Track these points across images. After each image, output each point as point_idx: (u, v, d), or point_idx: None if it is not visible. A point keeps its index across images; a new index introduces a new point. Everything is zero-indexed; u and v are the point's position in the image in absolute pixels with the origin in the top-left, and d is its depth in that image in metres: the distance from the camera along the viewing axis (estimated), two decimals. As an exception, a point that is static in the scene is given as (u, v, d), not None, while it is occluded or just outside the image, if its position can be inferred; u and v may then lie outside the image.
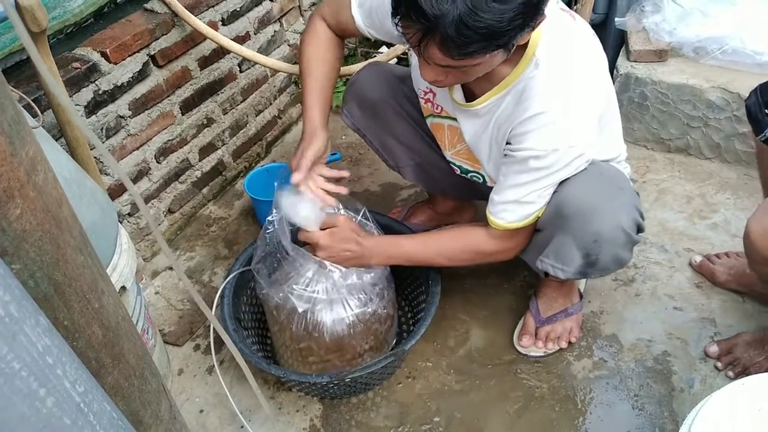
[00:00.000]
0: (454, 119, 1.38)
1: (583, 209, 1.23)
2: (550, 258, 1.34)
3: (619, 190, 1.28)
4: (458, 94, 1.32)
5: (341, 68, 1.52)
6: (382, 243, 1.39)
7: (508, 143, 1.24)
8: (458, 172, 1.53)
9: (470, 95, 1.31)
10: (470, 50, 1.02)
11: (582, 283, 1.66)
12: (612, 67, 2.13)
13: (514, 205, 1.26)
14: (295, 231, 1.36)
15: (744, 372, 1.43)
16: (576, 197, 1.23)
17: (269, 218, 1.35)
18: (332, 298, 1.33)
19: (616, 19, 2.13)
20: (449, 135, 1.45)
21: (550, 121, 1.16)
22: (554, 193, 1.26)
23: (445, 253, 1.38)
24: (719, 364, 1.48)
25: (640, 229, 1.32)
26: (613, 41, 2.28)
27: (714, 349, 1.50)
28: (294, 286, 1.33)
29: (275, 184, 1.35)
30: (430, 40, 1.02)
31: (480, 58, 1.05)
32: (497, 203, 1.28)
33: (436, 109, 1.43)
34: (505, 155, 1.26)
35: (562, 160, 1.19)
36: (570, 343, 1.56)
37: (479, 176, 1.48)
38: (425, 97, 1.45)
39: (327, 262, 1.34)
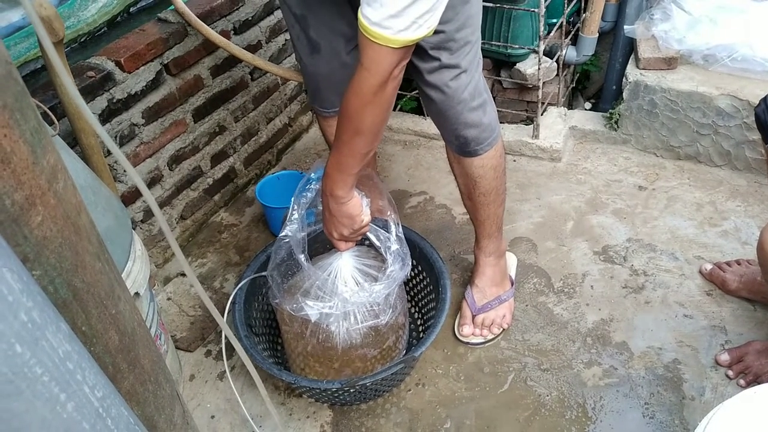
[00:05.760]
0: None
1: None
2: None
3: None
4: None
5: None
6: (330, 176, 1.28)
7: None
8: None
9: None
10: None
11: (513, 271, 1.72)
12: (621, 74, 2.14)
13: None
14: (310, 241, 1.38)
15: (756, 380, 1.43)
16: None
17: (282, 232, 1.37)
18: (345, 309, 1.34)
19: (625, 26, 2.13)
20: None
21: None
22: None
23: (349, 125, 1.18)
24: (730, 373, 1.47)
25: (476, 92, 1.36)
26: (623, 49, 2.28)
27: (725, 357, 1.49)
28: (307, 300, 1.34)
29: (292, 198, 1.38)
30: None
31: None
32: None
33: None
34: None
35: None
36: (503, 328, 1.62)
37: None
38: None
39: (342, 278, 1.35)
